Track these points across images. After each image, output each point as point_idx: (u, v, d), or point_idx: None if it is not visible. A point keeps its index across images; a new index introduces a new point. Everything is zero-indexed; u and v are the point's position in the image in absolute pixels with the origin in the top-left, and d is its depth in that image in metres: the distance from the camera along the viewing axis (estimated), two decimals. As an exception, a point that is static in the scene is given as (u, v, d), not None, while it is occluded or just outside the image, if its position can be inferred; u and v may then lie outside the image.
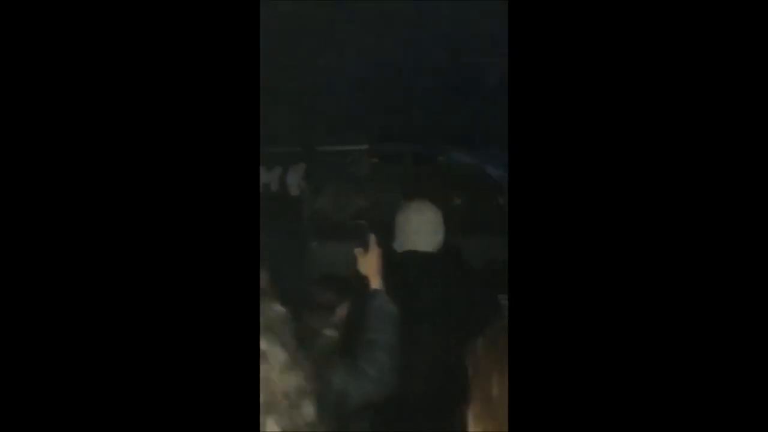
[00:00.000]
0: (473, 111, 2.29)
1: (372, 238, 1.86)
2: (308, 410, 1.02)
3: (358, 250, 1.85)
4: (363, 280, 1.85)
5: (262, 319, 0.95)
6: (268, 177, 3.99)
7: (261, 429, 0.97)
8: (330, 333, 2.52)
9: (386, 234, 2.20)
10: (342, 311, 2.39)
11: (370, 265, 1.83)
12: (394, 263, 2.03)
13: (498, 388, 1.10)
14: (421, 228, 2.28)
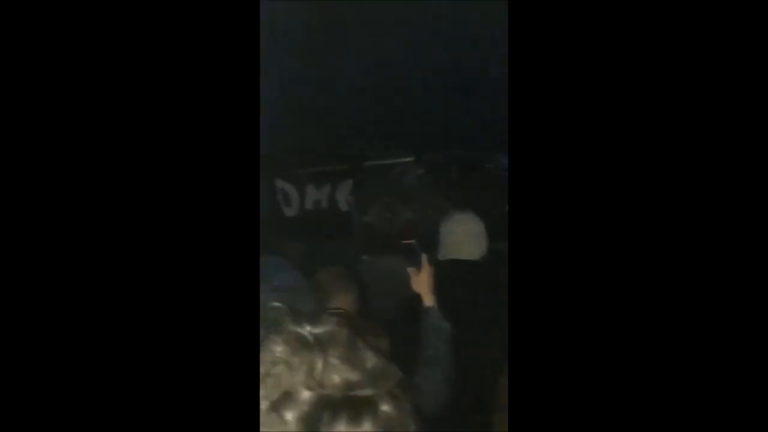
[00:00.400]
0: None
1: (424, 258, 1.95)
2: None
3: (411, 270, 1.94)
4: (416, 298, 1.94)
5: None
6: (318, 194, 4.16)
7: None
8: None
9: (435, 245, 2.28)
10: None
11: (422, 283, 1.94)
12: (438, 273, 2.10)
13: None
14: (464, 239, 2.33)
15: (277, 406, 0.71)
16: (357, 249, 3.57)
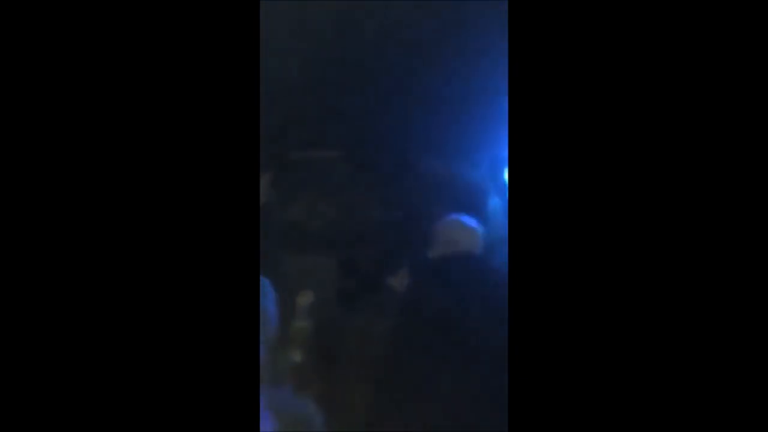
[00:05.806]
0: (461, 117, 2.26)
1: None
2: None
3: None
4: None
5: None
6: None
7: None
8: (300, 324, 2.48)
9: (356, 243, 2.10)
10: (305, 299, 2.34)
11: None
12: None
13: None
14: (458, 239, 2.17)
15: None
16: (276, 244, 3.42)
